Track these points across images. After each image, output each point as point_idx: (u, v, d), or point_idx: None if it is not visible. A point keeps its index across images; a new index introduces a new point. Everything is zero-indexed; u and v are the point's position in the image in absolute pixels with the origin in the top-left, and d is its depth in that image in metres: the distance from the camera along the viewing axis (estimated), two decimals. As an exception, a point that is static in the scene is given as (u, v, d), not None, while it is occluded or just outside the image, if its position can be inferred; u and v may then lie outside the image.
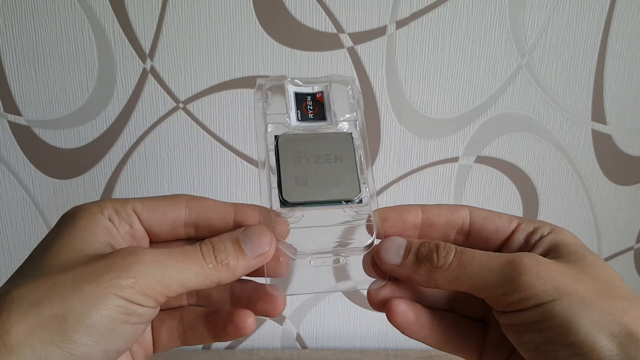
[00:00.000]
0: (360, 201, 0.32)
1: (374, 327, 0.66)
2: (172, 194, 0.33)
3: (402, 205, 0.34)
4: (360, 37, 0.54)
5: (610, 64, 0.57)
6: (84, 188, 0.59)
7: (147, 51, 0.54)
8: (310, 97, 0.35)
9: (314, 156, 0.33)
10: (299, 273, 0.33)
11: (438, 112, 0.58)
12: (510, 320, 0.29)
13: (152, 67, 0.54)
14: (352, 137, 0.34)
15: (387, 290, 0.33)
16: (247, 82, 0.55)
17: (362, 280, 0.33)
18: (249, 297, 0.33)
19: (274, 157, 0.33)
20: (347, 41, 0.54)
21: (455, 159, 0.60)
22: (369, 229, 0.32)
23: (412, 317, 0.32)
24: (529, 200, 0.62)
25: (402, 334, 0.33)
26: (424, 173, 0.60)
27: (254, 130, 0.34)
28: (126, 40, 0.54)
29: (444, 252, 0.30)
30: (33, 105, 0.56)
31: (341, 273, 0.33)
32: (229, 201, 0.33)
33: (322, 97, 0.35)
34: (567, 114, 0.58)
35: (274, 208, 0.32)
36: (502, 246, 0.33)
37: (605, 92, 0.58)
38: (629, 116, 0.59)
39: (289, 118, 0.34)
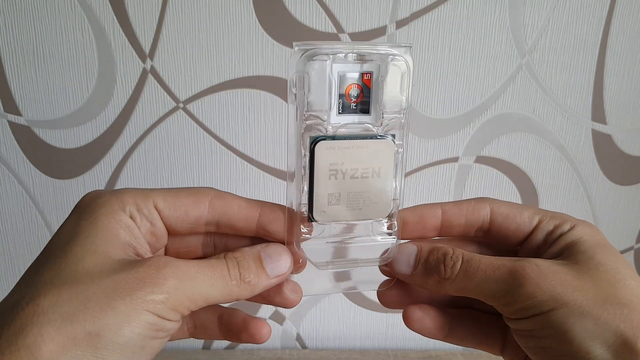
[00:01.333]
0: (389, 216, 0.32)
1: (374, 327, 0.66)
2: (196, 187, 0.32)
3: (422, 206, 0.34)
4: (360, 37, 0.54)
5: (610, 64, 0.57)
6: (84, 188, 0.59)
7: (147, 51, 0.54)
8: (355, 78, 0.30)
9: (351, 169, 0.30)
10: (312, 275, 0.33)
11: (438, 112, 0.58)
12: (515, 325, 0.30)
13: (152, 67, 0.54)
14: (395, 144, 0.31)
15: (397, 291, 0.34)
16: (247, 82, 0.55)
17: (372, 281, 0.34)
18: (268, 290, 0.33)
19: (308, 163, 0.30)
20: (347, 41, 0.54)
21: (455, 159, 0.60)
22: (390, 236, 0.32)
23: (428, 322, 0.33)
24: (529, 200, 0.62)
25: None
26: (424, 173, 0.60)
27: (286, 126, 0.31)
28: (126, 40, 0.54)
29: (451, 263, 0.31)
30: (33, 105, 0.56)
31: (351, 274, 0.34)
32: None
33: (369, 80, 0.30)
34: (567, 114, 0.58)
35: (298, 211, 0.31)
36: (523, 243, 0.33)
37: (605, 92, 0.58)
38: (628, 116, 0.59)
39: (329, 114, 0.30)
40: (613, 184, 0.62)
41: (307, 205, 0.30)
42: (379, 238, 0.32)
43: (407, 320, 0.33)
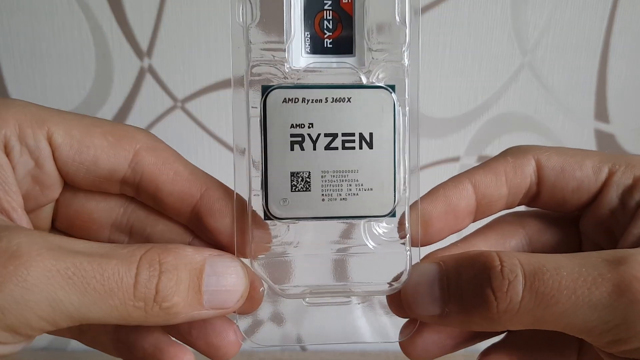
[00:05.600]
0: (393, 214, 0.21)
1: (375, 329, 0.66)
2: (125, 125, 0.23)
3: (443, 187, 0.24)
4: (360, 36, 0.54)
5: (613, 62, 0.57)
6: (81, 188, 0.58)
7: (145, 49, 0.53)
8: (329, 4, 0.20)
9: (326, 135, 0.20)
10: (287, 310, 0.23)
11: (439, 111, 0.57)
12: None
13: (150, 66, 0.54)
14: (394, 98, 0.20)
15: (430, 335, 0.23)
16: (246, 81, 0.55)
17: (385, 323, 0.24)
18: (190, 329, 0.23)
19: (260, 129, 0.20)
20: (347, 39, 0.54)
21: (456, 159, 0.59)
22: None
23: None
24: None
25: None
26: (424, 173, 0.60)
27: (231, 76, 0.22)
28: (123, 38, 0.53)
29: (505, 285, 0.19)
30: (29, 105, 0.55)
31: (351, 309, 0.25)
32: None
33: (350, 3, 0.20)
34: (570, 113, 0.58)
35: (254, 209, 0.21)
36: (588, 206, 0.23)
37: (608, 91, 0.58)
38: (632, 115, 0.59)
39: (290, 50, 0.20)
40: (615, 184, 0.61)
41: (261, 194, 0.21)
42: (383, 250, 0.22)
43: None
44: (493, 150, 0.59)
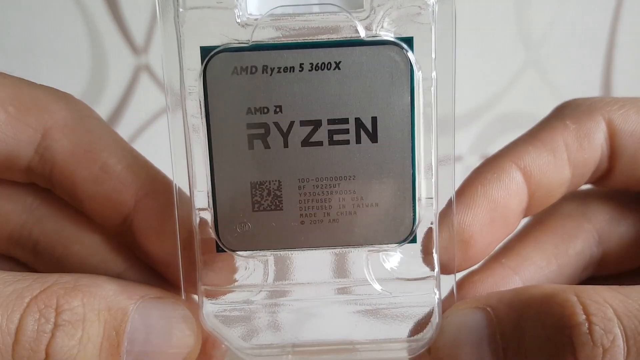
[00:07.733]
0: (413, 240, 0.15)
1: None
2: (39, 87, 0.14)
3: (487, 179, 0.17)
4: (361, 32, 0.53)
5: (618, 59, 0.56)
6: (76, 189, 0.57)
7: (141, 46, 0.52)
8: None
9: (303, 123, 0.13)
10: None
11: (441, 110, 0.57)
12: None
13: (147, 63, 0.53)
14: (411, 58, 0.13)
15: None
16: (244, 78, 0.54)
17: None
18: None
19: (201, 118, 0.14)
20: (347, 36, 0.53)
21: (459, 158, 0.58)
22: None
23: None
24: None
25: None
26: (427, 173, 0.59)
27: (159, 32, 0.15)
28: (119, 34, 0.52)
29: (597, 356, 0.13)
30: (23, 103, 0.54)
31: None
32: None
33: None
34: (575, 111, 0.57)
35: (205, 237, 0.15)
36: None
37: (613, 88, 0.57)
38: (638, 113, 0.58)
39: None
40: (622, 184, 0.61)
41: (209, 216, 0.15)
42: (396, 292, 0.15)
43: None
44: (497, 149, 0.58)
